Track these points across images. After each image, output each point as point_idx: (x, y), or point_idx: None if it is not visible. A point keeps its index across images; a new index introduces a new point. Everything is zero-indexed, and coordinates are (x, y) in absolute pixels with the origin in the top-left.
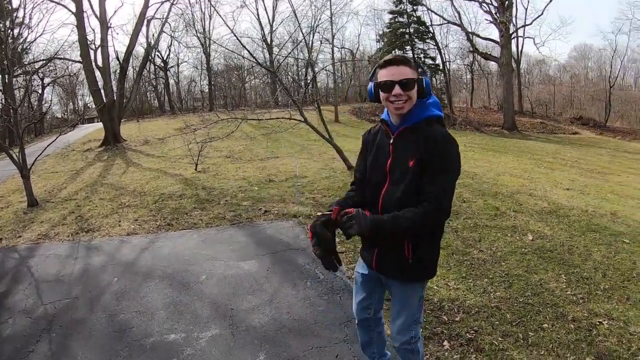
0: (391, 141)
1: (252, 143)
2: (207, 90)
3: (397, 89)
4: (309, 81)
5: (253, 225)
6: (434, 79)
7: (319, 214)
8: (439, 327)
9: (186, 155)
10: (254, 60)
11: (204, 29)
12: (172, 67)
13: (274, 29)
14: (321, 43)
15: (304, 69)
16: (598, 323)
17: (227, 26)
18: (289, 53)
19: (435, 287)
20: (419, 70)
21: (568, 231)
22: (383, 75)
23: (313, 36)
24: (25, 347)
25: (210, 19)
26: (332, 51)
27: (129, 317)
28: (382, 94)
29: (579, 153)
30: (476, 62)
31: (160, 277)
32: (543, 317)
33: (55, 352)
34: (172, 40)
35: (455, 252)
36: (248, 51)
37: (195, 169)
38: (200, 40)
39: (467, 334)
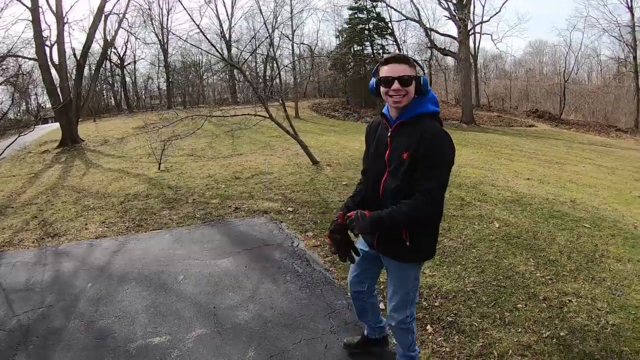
0: (389, 134)
1: (214, 141)
2: (164, 87)
3: (396, 84)
4: (274, 77)
5: (225, 222)
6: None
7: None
8: (421, 312)
9: (148, 154)
10: (220, 56)
11: (161, 25)
12: (128, 64)
13: (232, 25)
14: (280, 39)
15: (262, 65)
16: (567, 301)
17: (194, 22)
18: (255, 49)
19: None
20: (417, 68)
21: (532, 218)
22: (384, 71)
23: (273, 32)
24: None
25: (169, 14)
26: (292, 47)
27: (109, 323)
28: (382, 89)
29: (537, 145)
30: (434, 58)
31: (136, 279)
32: (516, 298)
33: None
34: (128, 37)
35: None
36: (215, 48)
37: (159, 168)
38: (158, 37)
39: (448, 317)
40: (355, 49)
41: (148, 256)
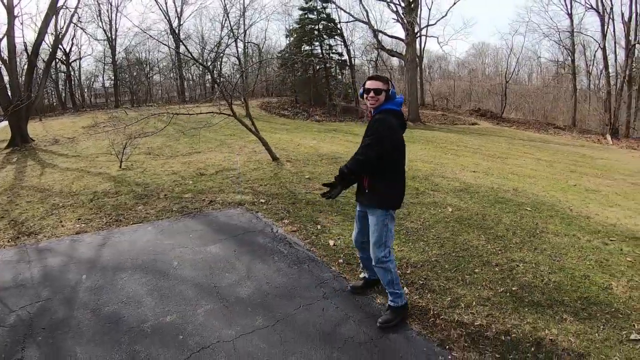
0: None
1: (168, 140)
2: (108, 85)
3: (372, 93)
4: (239, 76)
5: (204, 214)
6: (341, 74)
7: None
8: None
9: (104, 153)
10: (190, 55)
11: (110, 21)
12: (74, 60)
13: (182, 23)
14: (229, 37)
15: (211, 63)
16: (515, 266)
17: (168, 21)
18: (224, 49)
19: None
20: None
21: (480, 204)
22: (367, 84)
23: (219, 30)
24: (10, 356)
25: (117, 10)
26: (245, 46)
27: (116, 309)
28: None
29: (480, 141)
30: (380, 58)
31: (132, 268)
32: (473, 265)
33: (48, 354)
34: (75, 32)
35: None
36: (185, 46)
37: (120, 167)
38: (106, 33)
39: (419, 281)
40: (304, 49)
41: (136, 247)
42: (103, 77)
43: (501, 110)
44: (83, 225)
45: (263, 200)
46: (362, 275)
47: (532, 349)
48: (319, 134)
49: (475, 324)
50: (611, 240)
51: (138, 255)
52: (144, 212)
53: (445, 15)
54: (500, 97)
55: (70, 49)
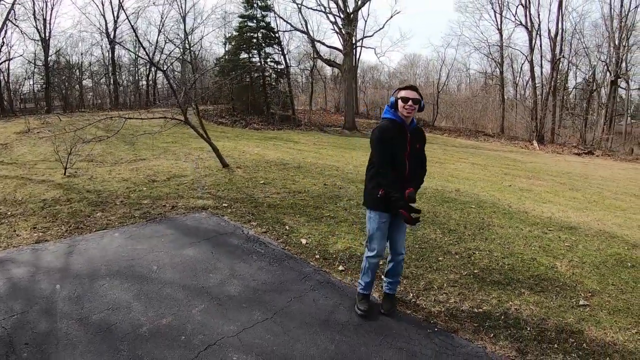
0: (408, 135)
1: (108, 147)
2: (39, 89)
3: (410, 102)
4: (195, 81)
5: (169, 219)
6: (279, 83)
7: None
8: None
9: (42, 160)
10: (148, 59)
11: (44, 20)
12: (3, 62)
13: (118, 25)
14: (165, 43)
15: (144, 68)
16: (472, 253)
17: (130, 23)
18: (180, 56)
19: (358, 247)
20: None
21: (429, 203)
22: (405, 93)
23: (160, 34)
24: None
25: (52, 10)
26: (183, 52)
27: (104, 316)
28: (400, 103)
29: None
30: (315, 68)
31: (109, 275)
32: (436, 254)
33: None
34: (5, 31)
35: (354, 222)
36: (144, 49)
37: (65, 174)
38: (40, 33)
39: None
40: (242, 57)
41: (108, 254)
42: (33, 79)
43: (433, 119)
44: (41, 234)
45: (226, 205)
46: None
47: (502, 317)
48: (261, 142)
49: (450, 301)
50: (549, 230)
51: (112, 261)
52: (105, 219)
53: (383, 27)
54: (431, 106)
55: (0, 48)
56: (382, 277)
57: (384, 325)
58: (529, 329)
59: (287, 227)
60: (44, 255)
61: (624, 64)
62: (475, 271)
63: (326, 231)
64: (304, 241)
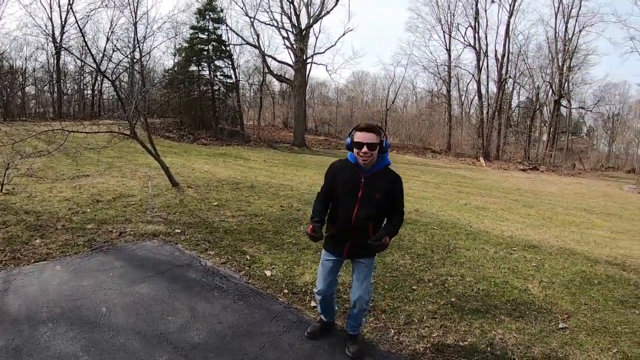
0: (362, 180)
1: (49, 161)
2: None
3: (365, 148)
4: (145, 92)
5: (117, 248)
6: (228, 97)
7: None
8: (347, 303)
9: None
10: (96, 67)
11: None
12: None
13: (65, 30)
14: (113, 51)
15: (90, 77)
16: (445, 280)
17: (79, 27)
18: (129, 66)
19: None
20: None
21: None
22: (358, 137)
23: (108, 42)
24: None
25: None
26: (132, 62)
27: None
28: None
29: None
30: (264, 83)
31: (52, 320)
32: (409, 283)
33: None
34: None
35: (317, 250)
36: (92, 56)
37: (1, 191)
38: None
39: (370, 303)
40: (192, 70)
41: (49, 292)
42: None
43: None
44: None
45: (179, 230)
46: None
47: (489, 349)
48: (210, 158)
49: (434, 335)
50: (514, 250)
51: (54, 302)
52: (45, 248)
53: (335, 44)
54: (380, 123)
55: None
56: (346, 319)
57: None
58: (517, 359)
59: (248, 257)
60: None
61: (566, 84)
62: (452, 299)
63: (290, 260)
64: (268, 273)
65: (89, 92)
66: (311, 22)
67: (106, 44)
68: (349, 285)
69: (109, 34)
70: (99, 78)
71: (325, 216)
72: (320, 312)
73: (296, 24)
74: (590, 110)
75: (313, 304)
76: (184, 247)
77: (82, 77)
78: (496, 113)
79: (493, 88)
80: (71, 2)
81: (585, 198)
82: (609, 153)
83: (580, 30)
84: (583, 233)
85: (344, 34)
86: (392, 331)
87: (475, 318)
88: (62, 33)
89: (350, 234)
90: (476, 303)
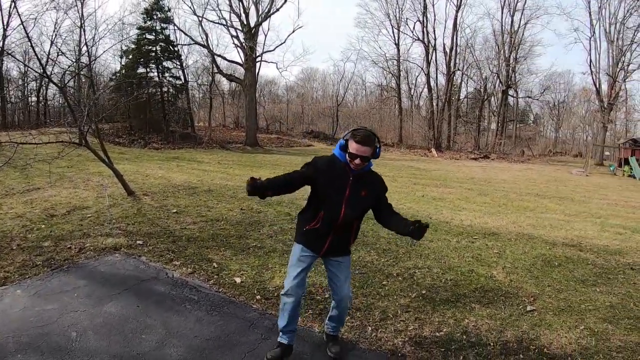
0: (350, 179)
1: None
2: None
3: (358, 160)
4: (96, 98)
5: (79, 266)
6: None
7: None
8: (319, 305)
9: None
10: (43, 72)
11: None
12: None
13: (8, 34)
14: (58, 55)
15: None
16: (413, 273)
17: (25, 30)
18: (78, 71)
19: None
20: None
21: None
22: (355, 149)
23: (52, 45)
24: None
25: None
26: (79, 67)
27: None
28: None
29: None
30: (214, 83)
31: (20, 350)
32: (379, 278)
33: None
34: None
35: (284, 252)
36: (39, 60)
37: None
38: None
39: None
40: (140, 72)
41: (13, 320)
42: None
43: (333, 131)
44: None
45: (140, 242)
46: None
47: (464, 336)
48: (164, 163)
49: (410, 328)
50: (475, 238)
51: (20, 330)
52: (1, 271)
53: (285, 42)
54: (331, 119)
55: None
56: (326, 320)
57: None
58: (491, 344)
59: (215, 265)
60: None
61: (513, 75)
62: (423, 292)
63: (258, 265)
64: (238, 280)
65: (34, 99)
66: (260, 20)
67: (50, 47)
68: (320, 286)
69: (54, 37)
70: (44, 84)
71: (279, 189)
72: (284, 324)
73: (245, 22)
74: (537, 99)
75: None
76: (148, 260)
77: (26, 84)
78: (446, 104)
79: (442, 80)
80: (15, 4)
81: (536, 183)
82: (555, 139)
83: (526, 23)
84: (538, 217)
85: (293, 31)
86: (370, 328)
87: (447, 308)
88: (4, 37)
89: (333, 232)
90: (446, 293)
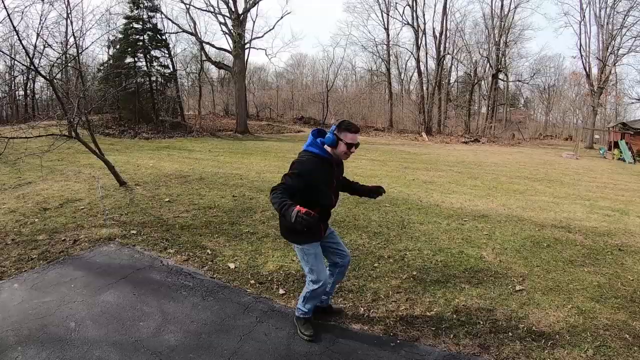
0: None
1: None
2: None
3: (353, 148)
4: (84, 90)
5: (75, 257)
6: (166, 88)
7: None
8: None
9: None
10: (29, 64)
11: None
12: None
13: None
14: (44, 47)
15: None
16: (404, 255)
17: (12, 23)
18: (66, 63)
19: (290, 264)
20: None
21: (344, 207)
22: (352, 138)
23: (38, 38)
24: None
25: None
26: (66, 59)
27: None
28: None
29: None
30: (202, 71)
31: (21, 342)
32: (370, 260)
33: None
34: None
35: (276, 237)
36: (27, 53)
37: None
38: None
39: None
40: (128, 61)
41: (12, 313)
42: None
43: (323, 117)
44: None
45: (134, 231)
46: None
47: (454, 315)
48: (154, 153)
49: (401, 308)
50: (465, 220)
51: (19, 323)
52: None
53: (273, 28)
54: (321, 105)
55: None
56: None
57: (348, 348)
58: (481, 322)
59: (208, 251)
60: None
61: (503, 59)
62: (414, 273)
63: (251, 250)
64: (232, 265)
65: (21, 93)
66: (248, 6)
67: (36, 40)
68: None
69: (39, 29)
70: (31, 78)
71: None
72: (309, 309)
73: (233, 9)
74: (527, 83)
75: (281, 291)
76: (143, 249)
77: (13, 78)
78: (436, 89)
79: (432, 65)
80: None
81: (526, 166)
82: (546, 122)
83: (516, 7)
84: (528, 200)
85: (282, 17)
86: (362, 309)
87: (437, 288)
88: None
89: (327, 216)
90: (436, 274)
